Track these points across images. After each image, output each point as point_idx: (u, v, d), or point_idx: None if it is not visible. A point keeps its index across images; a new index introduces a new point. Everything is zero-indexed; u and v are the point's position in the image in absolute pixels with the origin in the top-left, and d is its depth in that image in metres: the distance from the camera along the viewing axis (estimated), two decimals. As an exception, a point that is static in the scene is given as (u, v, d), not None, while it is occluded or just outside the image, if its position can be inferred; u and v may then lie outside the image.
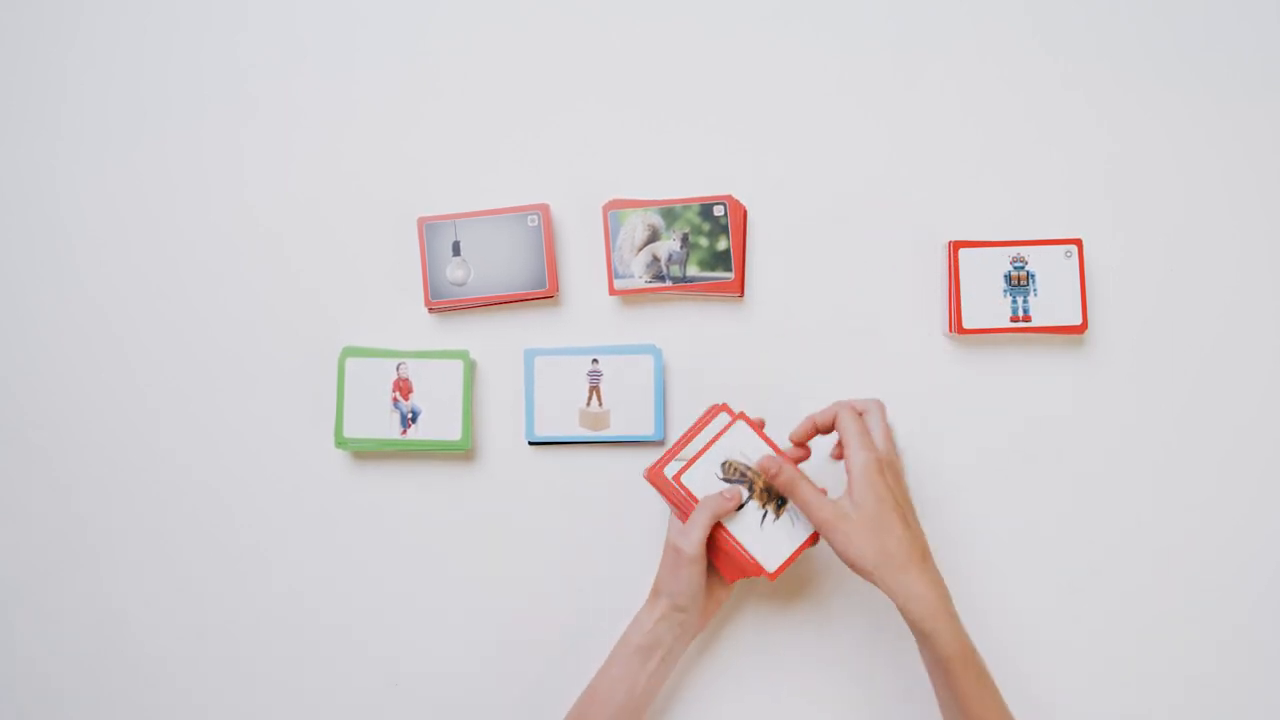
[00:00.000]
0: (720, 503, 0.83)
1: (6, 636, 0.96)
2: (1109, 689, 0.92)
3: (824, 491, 0.82)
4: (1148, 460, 0.94)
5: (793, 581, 0.93)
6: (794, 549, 0.84)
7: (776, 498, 0.85)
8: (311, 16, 0.98)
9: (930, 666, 0.81)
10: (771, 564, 0.84)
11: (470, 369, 0.94)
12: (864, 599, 0.92)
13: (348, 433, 0.93)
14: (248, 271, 0.97)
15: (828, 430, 0.85)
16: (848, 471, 0.81)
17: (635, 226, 0.94)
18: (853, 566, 0.79)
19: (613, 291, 0.94)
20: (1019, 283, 0.92)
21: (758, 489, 0.85)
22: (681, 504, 0.85)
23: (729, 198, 0.94)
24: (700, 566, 0.83)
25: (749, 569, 0.84)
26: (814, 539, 0.85)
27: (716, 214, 0.94)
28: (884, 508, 0.79)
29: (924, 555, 0.79)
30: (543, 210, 0.94)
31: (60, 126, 0.98)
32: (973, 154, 0.96)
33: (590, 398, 0.93)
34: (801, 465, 0.85)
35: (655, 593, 0.86)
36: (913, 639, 0.80)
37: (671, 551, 0.84)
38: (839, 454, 0.87)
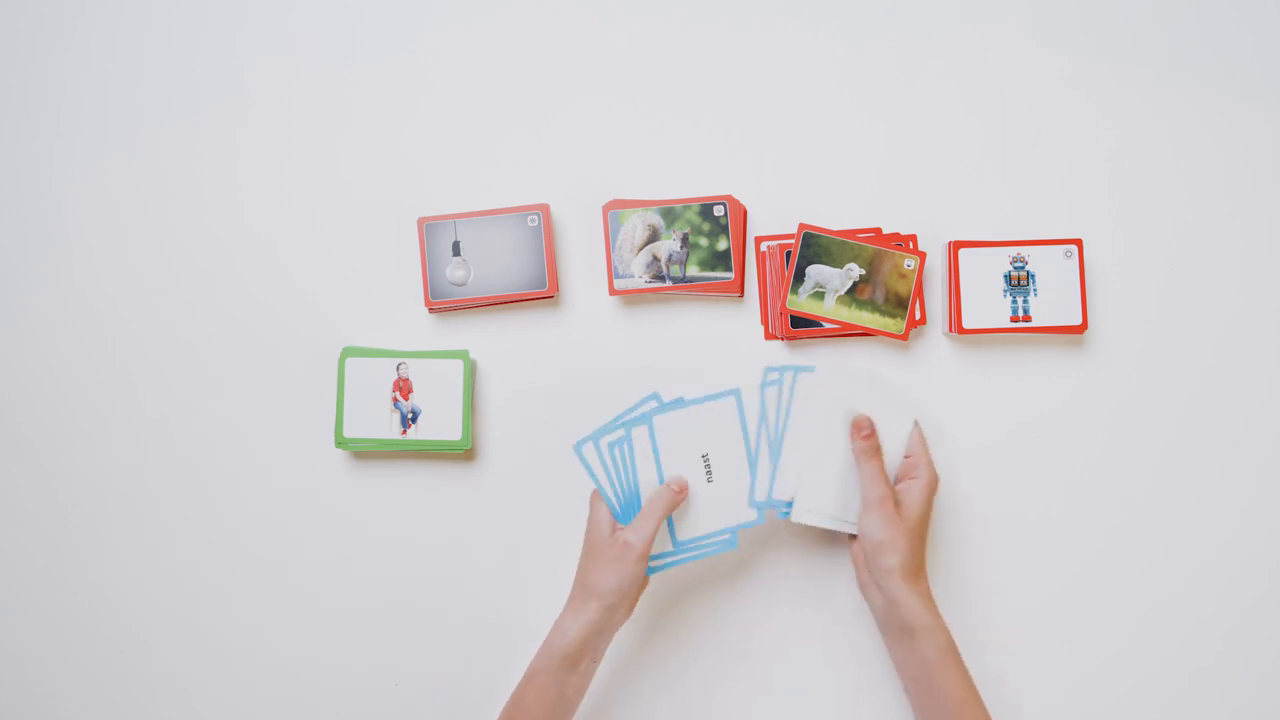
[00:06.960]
0: (670, 496, 0.85)
1: (5, 639, 0.96)
2: (1105, 686, 0.92)
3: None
4: (1147, 460, 0.94)
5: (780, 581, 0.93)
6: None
7: None
8: (309, 15, 0.98)
9: (916, 668, 0.83)
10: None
11: (470, 369, 0.94)
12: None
13: (348, 433, 0.93)
14: (247, 272, 0.97)
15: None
16: (908, 477, 0.86)
17: (635, 226, 0.94)
18: (874, 550, 0.83)
19: (613, 291, 0.94)
20: (1019, 283, 0.92)
21: None
22: None
23: (729, 198, 0.94)
24: (645, 563, 0.83)
25: None
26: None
27: (716, 214, 0.94)
28: (923, 523, 0.85)
29: (924, 571, 0.85)
30: (543, 210, 0.94)
31: (57, 126, 0.98)
32: (973, 153, 0.96)
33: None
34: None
35: (582, 595, 0.83)
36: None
37: (619, 547, 0.82)
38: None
